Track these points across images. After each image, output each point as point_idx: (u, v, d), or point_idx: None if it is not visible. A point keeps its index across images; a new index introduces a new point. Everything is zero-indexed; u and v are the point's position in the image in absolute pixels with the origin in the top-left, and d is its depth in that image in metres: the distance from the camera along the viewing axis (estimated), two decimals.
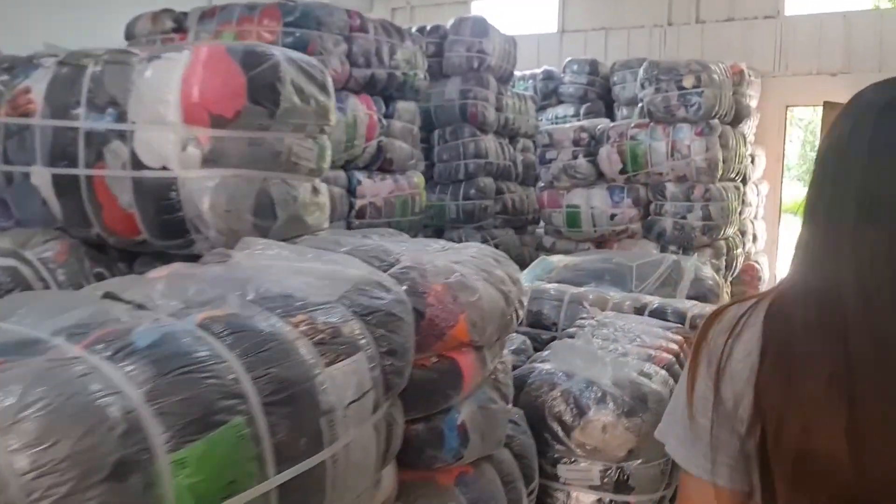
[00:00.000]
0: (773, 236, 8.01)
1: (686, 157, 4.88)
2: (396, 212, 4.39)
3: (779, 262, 7.85)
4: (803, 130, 17.17)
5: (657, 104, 4.94)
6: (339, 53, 3.88)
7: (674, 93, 4.87)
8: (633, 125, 5.10)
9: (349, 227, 4.10)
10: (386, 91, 4.33)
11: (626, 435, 1.97)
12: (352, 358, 1.21)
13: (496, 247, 5.73)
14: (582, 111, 7.43)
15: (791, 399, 0.81)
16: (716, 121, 4.93)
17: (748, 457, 0.85)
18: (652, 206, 5.11)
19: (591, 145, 5.21)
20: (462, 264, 1.65)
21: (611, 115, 7.18)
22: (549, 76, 7.78)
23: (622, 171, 5.11)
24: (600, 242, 5.31)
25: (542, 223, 6.07)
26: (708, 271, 3.50)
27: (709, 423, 0.87)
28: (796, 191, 16.57)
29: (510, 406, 1.91)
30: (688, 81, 4.83)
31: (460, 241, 5.69)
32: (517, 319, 1.79)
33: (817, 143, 7.35)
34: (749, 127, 6.90)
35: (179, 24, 4.05)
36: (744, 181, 7.02)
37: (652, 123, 5.04)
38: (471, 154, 5.62)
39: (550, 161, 5.27)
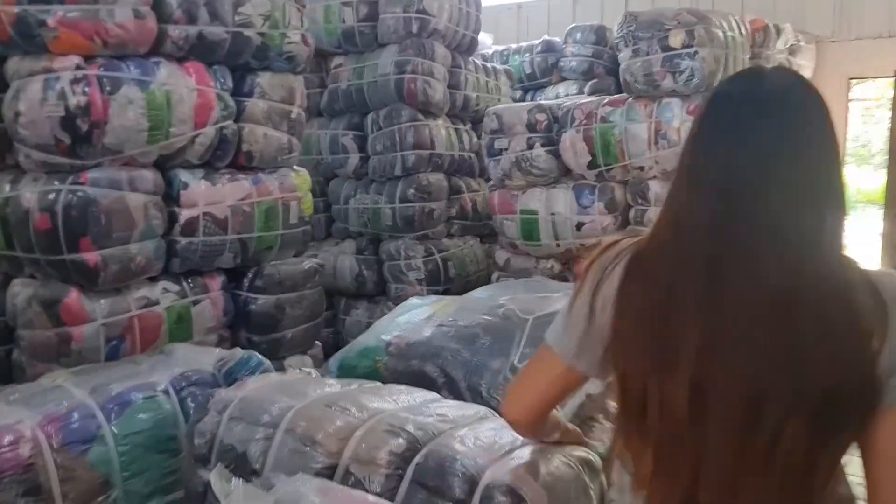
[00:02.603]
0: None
1: (676, 144, 3.52)
2: (256, 224, 3.20)
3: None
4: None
5: (635, 72, 3.59)
6: (134, 3, 2.71)
7: (657, 55, 3.51)
8: (604, 102, 3.75)
9: (171, 248, 2.93)
10: (236, 59, 3.14)
11: None
12: None
13: (445, 262, 4.50)
14: (587, 90, 6.05)
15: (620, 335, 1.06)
16: None
17: (606, 361, 1.10)
18: (632, 213, 3.77)
19: (551, 130, 3.89)
20: None
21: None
22: (548, 48, 6.44)
23: (591, 165, 3.78)
24: (566, 260, 3.99)
25: None
26: None
27: (585, 325, 1.10)
28: (878, 179, 14.55)
29: None
30: (676, 39, 3.45)
31: (398, 254, 4.49)
32: None
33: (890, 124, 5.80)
34: None
35: None
36: None
37: (630, 99, 3.69)
38: (409, 143, 4.39)
39: (500, 152, 3.98)
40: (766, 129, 0.97)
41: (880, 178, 14.69)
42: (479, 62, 5.02)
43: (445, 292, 4.50)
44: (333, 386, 1.76)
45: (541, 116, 3.87)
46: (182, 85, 2.89)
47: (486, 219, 4.77)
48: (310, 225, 3.54)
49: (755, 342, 0.94)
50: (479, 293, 2.69)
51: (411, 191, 4.39)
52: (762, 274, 0.94)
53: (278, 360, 3.36)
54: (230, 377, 2.01)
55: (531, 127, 3.88)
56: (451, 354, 2.10)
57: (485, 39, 7.00)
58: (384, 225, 4.50)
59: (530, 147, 3.89)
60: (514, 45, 6.64)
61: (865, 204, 14.33)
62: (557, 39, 6.47)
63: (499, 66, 5.30)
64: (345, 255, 4.70)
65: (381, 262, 4.60)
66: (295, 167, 3.48)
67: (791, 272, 0.94)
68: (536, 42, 6.52)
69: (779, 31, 5.44)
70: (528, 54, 6.50)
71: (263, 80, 3.25)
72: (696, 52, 3.41)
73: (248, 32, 3.10)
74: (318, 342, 3.62)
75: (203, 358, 2.10)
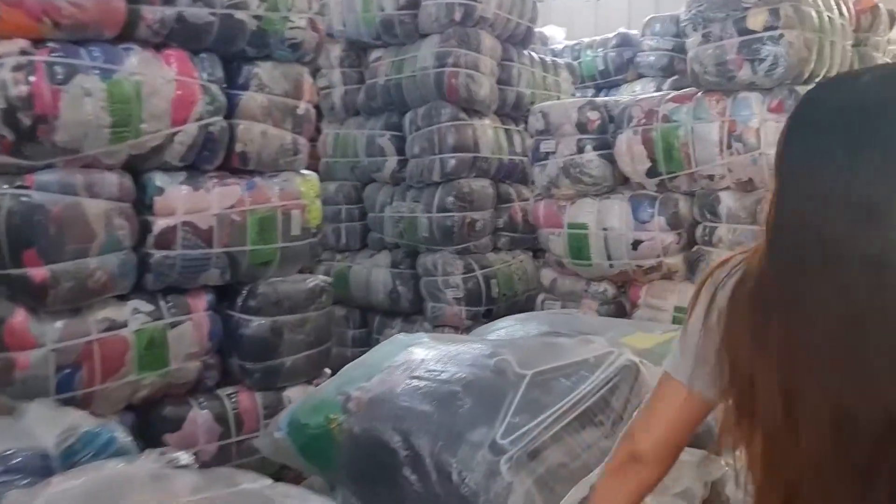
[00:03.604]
0: None
1: (753, 148, 2.89)
2: (250, 236, 2.79)
3: None
4: None
5: (705, 60, 2.98)
6: None
7: (732, 40, 2.89)
8: (667, 98, 3.15)
9: (144, 263, 2.55)
10: (228, 46, 2.73)
11: None
12: None
13: (487, 280, 3.98)
14: (666, 88, 5.41)
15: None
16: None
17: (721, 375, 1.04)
18: (699, 230, 3.14)
19: (606, 132, 3.31)
20: None
21: None
22: (624, 41, 5.83)
23: (651, 173, 3.18)
24: (622, 283, 3.40)
25: None
26: None
27: (698, 339, 1.08)
28: None
29: None
30: (756, 19, 2.83)
31: (436, 269, 4.01)
32: None
33: None
34: None
35: None
36: None
37: (698, 94, 3.07)
38: (449, 145, 3.91)
39: (547, 156, 3.43)
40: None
41: None
42: (537, 56, 4.48)
43: (487, 314, 3.99)
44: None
45: (593, 115, 3.30)
46: (157, 75, 2.50)
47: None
48: (317, 237, 3.10)
49: (835, 354, 0.92)
50: (484, 330, 2.17)
51: (450, 198, 3.90)
52: (846, 283, 0.91)
53: (276, 391, 2.96)
54: (69, 458, 1.55)
55: (582, 127, 3.32)
56: (420, 419, 1.60)
57: (555, 34, 6.46)
58: (420, 236, 4.03)
59: (581, 151, 3.32)
60: (586, 40, 6.06)
61: None
62: (635, 32, 5.86)
63: (559, 61, 4.73)
64: (379, 269, 4.26)
65: (417, 278, 4.13)
66: (303, 171, 3.06)
67: (877, 288, 0.89)
68: (611, 35, 5.92)
69: (893, 18, 4.65)
70: (601, 49, 5.92)
71: (262, 70, 2.83)
72: (781, 36, 2.78)
73: (240, 15, 2.69)
74: (327, 369, 3.18)
75: (52, 428, 1.66)
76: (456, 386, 1.65)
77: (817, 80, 2.96)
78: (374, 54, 4.28)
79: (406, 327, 4.22)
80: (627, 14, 7.04)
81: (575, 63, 5.07)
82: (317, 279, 3.06)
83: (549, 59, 4.60)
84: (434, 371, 1.72)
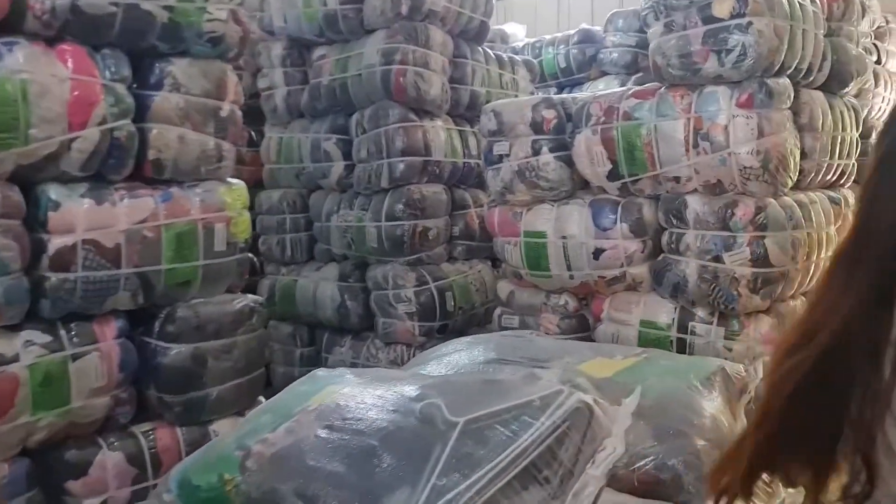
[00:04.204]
0: None
1: (722, 147, 2.64)
2: (165, 253, 2.49)
3: None
4: None
5: (668, 52, 2.73)
6: None
7: (697, 29, 2.64)
8: (629, 93, 2.89)
9: (39, 287, 2.24)
10: (136, 41, 2.43)
11: None
12: None
13: (442, 293, 3.70)
14: (630, 85, 5.17)
15: None
16: (781, 80, 2.65)
17: None
18: (665, 237, 2.89)
19: (563, 132, 3.05)
20: None
21: None
22: (586, 38, 5.57)
23: (613, 175, 2.92)
24: (584, 295, 3.13)
25: None
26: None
27: None
28: None
29: None
30: (722, 7, 2.58)
31: (386, 282, 3.72)
32: None
33: None
34: (872, 95, 4.40)
35: None
36: None
37: (661, 89, 2.82)
38: (397, 149, 3.62)
39: (500, 159, 3.16)
40: None
41: None
42: (493, 53, 4.21)
43: (442, 329, 3.72)
44: None
45: (549, 113, 3.03)
46: (47, 73, 2.20)
47: None
48: (246, 252, 2.80)
49: None
50: (425, 357, 1.89)
51: (399, 206, 3.62)
52: None
53: (201, 426, 2.66)
54: None
55: (537, 127, 3.05)
56: (329, 481, 1.33)
57: (516, 31, 6.21)
58: (369, 247, 3.74)
59: (536, 153, 3.05)
60: (547, 37, 5.81)
61: None
62: (597, 28, 5.61)
63: (517, 58, 4.47)
64: (326, 282, 3.96)
65: (367, 292, 3.84)
66: (229, 179, 2.76)
67: None
68: (573, 32, 5.67)
69: (864, 10, 4.46)
70: (563, 46, 5.65)
71: (177, 68, 2.53)
72: (749, 24, 2.53)
73: (147, 6, 2.39)
74: (261, 398, 2.87)
75: None
76: (373, 439, 1.37)
77: (789, 72, 2.72)
78: (318, 52, 3.98)
79: (356, 344, 3.93)
80: (591, 10, 6.80)
81: (534, 60, 4.80)
82: (246, 299, 2.76)
83: (505, 55, 4.33)
84: (350, 420, 1.43)
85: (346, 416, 1.45)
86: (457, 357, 2.13)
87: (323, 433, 1.41)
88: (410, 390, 1.49)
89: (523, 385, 1.47)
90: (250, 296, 2.82)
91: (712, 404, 1.78)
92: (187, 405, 2.58)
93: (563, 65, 5.62)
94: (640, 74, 5.15)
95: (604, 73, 5.52)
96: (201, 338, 2.59)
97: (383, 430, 1.38)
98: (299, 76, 4.09)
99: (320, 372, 1.87)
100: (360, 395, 1.52)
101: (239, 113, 2.77)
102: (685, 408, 1.72)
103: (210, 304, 2.64)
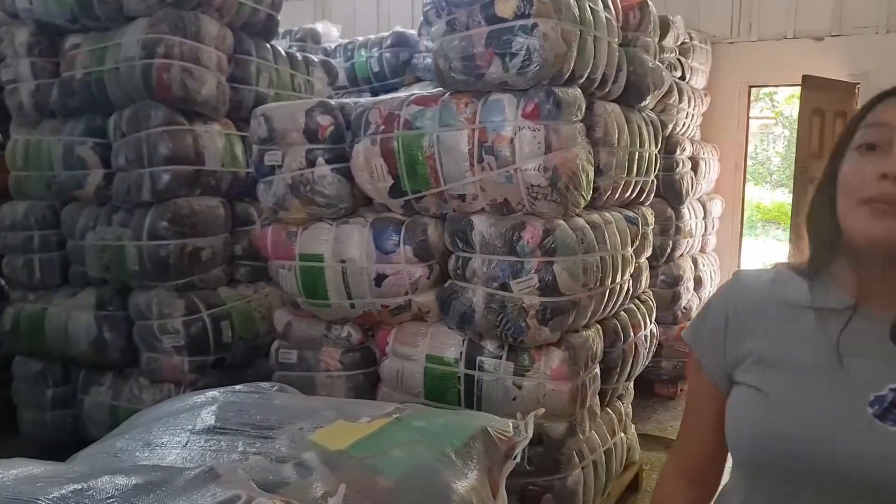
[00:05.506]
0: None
1: (508, 162, 2.36)
2: None
3: None
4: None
5: (451, 54, 2.42)
6: None
7: (481, 29, 2.35)
8: (410, 100, 2.56)
9: None
10: None
11: None
12: None
13: (217, 322, 3.20)
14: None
15: None
16: (571, 90, 2.41)
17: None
18: (451, 261, 2.58)
19: (342, 140, 2.68)
20: None
21: None
22: (399, 41, 5.25)
23: (395, 192, 2.58)
24: (369, 326, 2.77)
25: None
26: None
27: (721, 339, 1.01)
28: (780, 197, 14.04)
29: None
30: (506, 6, 2.30)
31: (150, 310, 3.08)
32: None
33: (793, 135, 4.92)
34: (677, 110, 4.38)
35: None
36: (681, 203, 4.61)
37: (445, 95, 2.52)
38: (161, 156, 3.11)
39: (273, 170, 2.74)
40: None
41: (777, 196, 14.29)
42: (284, 51, 3.78)
43: (218, 363, 3.24)
44: None
45: (324, 120, 2.64)
46: None
47: None
48: None
49: None
50: (136, 420, 1.44)
51: (164, 223, 3.11)
52: None
53: None
54: None
55: (311, 135, 2.66)
56: None
57: (329, 31, 5.81)
58: (129, 270, 3.20)
59: (311, 164, 2.66)
60: (360, 38, 5.45)
61: (765, 222, 13.88)
62: (412, 32, 5.32)
63: (314, 58, 4.07)
64: (81, 311, 3.37)
65: (130, 321, 3.29)
66: None
67: None
68: (386, 34, 5.35)
69: (667, 25, 4.43)
70: (376, 49, 5.31)
71: None
72: (534, 26, 2.27)
73: None
74: None
75: None
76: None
77: (581, 82, 2.49)
78: (71, 41, 3.39)
79: (117, 383, 3.37)
80: (411, 11, 6.52)
81: (333, 62, 4.41)
82: None
83: (299, 55, 3.91)
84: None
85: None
86: (176, 422, 1.69)
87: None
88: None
89: (192, 489, 1.08)
90: None
91: (464, 483, 1.46)
92: None
93: (375, 69, 5.29)
94: None
95: (419, 79, 5.23)
96: None
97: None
98: (50, 68, 3.48)
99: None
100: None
101: None
102: (429, 492, 1.39)
103: None
